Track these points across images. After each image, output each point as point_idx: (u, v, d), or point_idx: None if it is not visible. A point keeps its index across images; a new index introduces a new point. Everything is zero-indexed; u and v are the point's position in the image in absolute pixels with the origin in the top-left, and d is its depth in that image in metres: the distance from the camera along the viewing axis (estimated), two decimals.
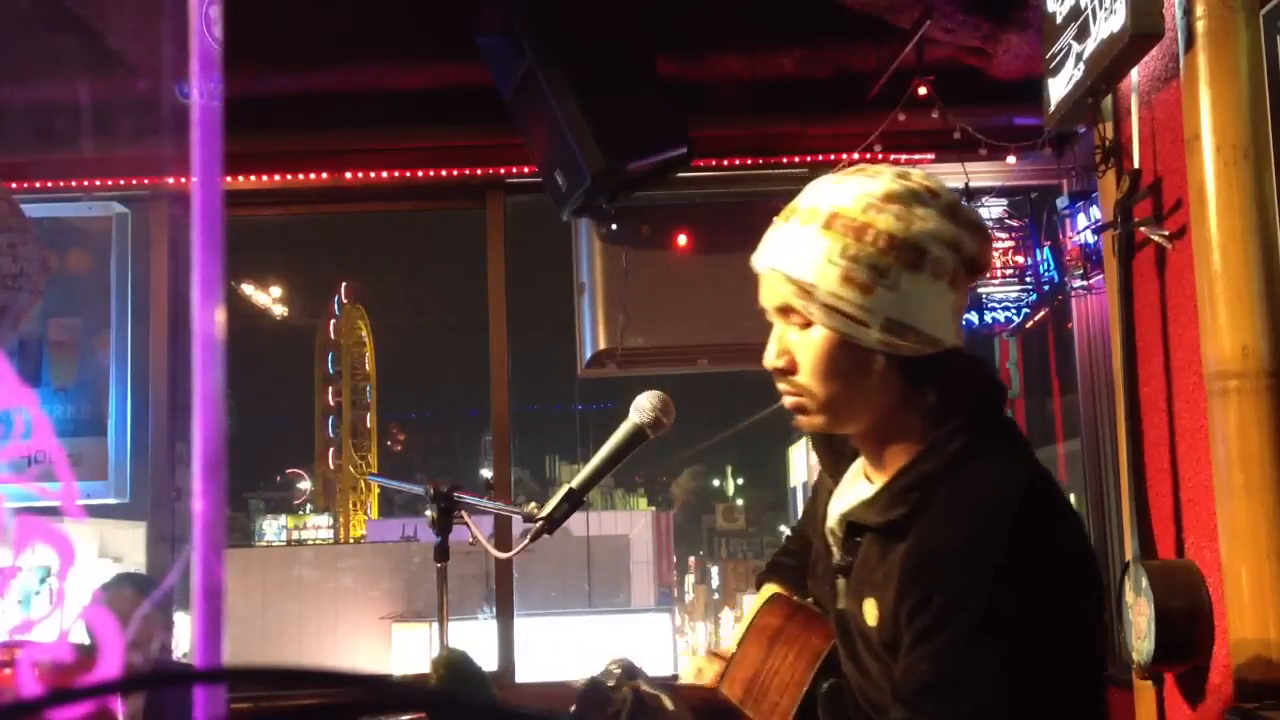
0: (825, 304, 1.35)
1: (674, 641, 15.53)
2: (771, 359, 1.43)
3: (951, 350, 1.39)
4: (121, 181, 3.98)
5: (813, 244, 1.36)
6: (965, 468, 1.34)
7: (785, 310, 1.40)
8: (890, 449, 1.41)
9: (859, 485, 1.48)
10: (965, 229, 1.37)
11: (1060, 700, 1.29)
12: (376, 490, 27.27)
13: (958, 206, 1.38)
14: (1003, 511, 1.31)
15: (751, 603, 1.72)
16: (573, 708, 1.40)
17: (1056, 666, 1.28)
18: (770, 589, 1.71)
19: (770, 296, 1.42)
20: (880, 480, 1.42)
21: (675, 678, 1.72)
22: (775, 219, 1.44)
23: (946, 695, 1.26)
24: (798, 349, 1.40)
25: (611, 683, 1.38)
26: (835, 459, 1.56)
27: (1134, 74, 2.84)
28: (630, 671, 1.40)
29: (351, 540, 25.26)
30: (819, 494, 1.62)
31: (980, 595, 1.26)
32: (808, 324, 1.38)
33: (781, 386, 1.44)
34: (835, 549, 1.49)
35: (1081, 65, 2.69)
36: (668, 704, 1.38)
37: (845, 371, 1.37)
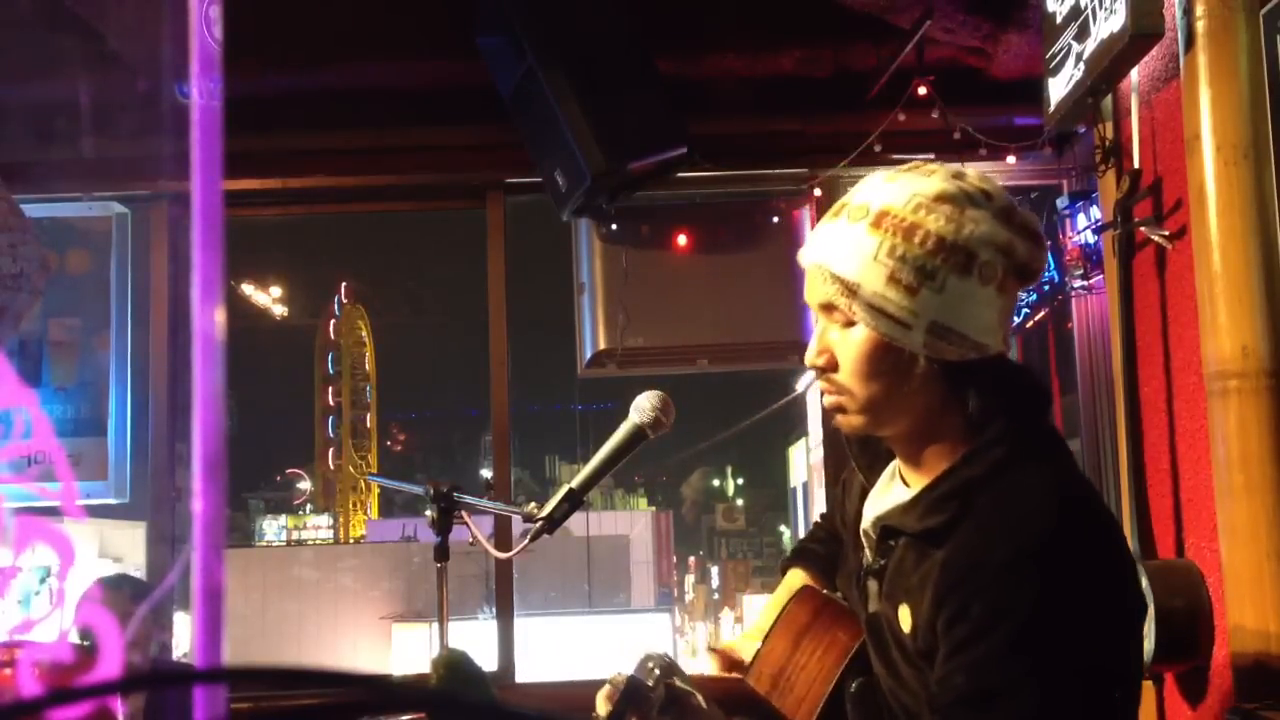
0: (869, 303, 1.32)
1: (674, 642, 15.53)
2: (812, 357, 1.40)
3: (996, 356, 1.36)
4: (121, 181, 3.98)
5: (860, 242, 1.33)
6: (1007, 476, 1.32)
7: (828, 308, 1.37)
8: (929, 453, 1.39)
9: (895, 488, 1.46)
10: (1018, 234, 1.33)
11: (1097, 713, 1.27)
12: (376, 490, 27.28)
13: (1012, 210, 1.35)
14: (1045, 524, 1.28)
15: (779, 589, 1.71)
16: (606, 707, 1.39)
17: (1094, 683, 1.26)
18: (796, 575, 1.70)
19: (814, 293, 1.38)
20: (918, 484, 1.40)
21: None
22: (826, 214, 1.41)
23: (982, 708, 1.24)
24: (839, 347, 1.37)
25: (650, 682, 1.38)
26: (870, 460, 1.53)
27: (1134, 74, 2.84)
28: (667, 669, 1.40)
29: (351, 540, 25.26)
30: (850, 489, 1.59)
31: (1020, 608, 1.24)
32: (850, 323, 1.35)
33: (821, 385, 1.41)
34: (869, 551, 1.47)
35: (1081, 65, 2.69)
36: (700, 702, 1.38)
37: (886, 373, 1.35)
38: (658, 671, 1.39)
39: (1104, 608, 1.28)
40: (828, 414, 1.45)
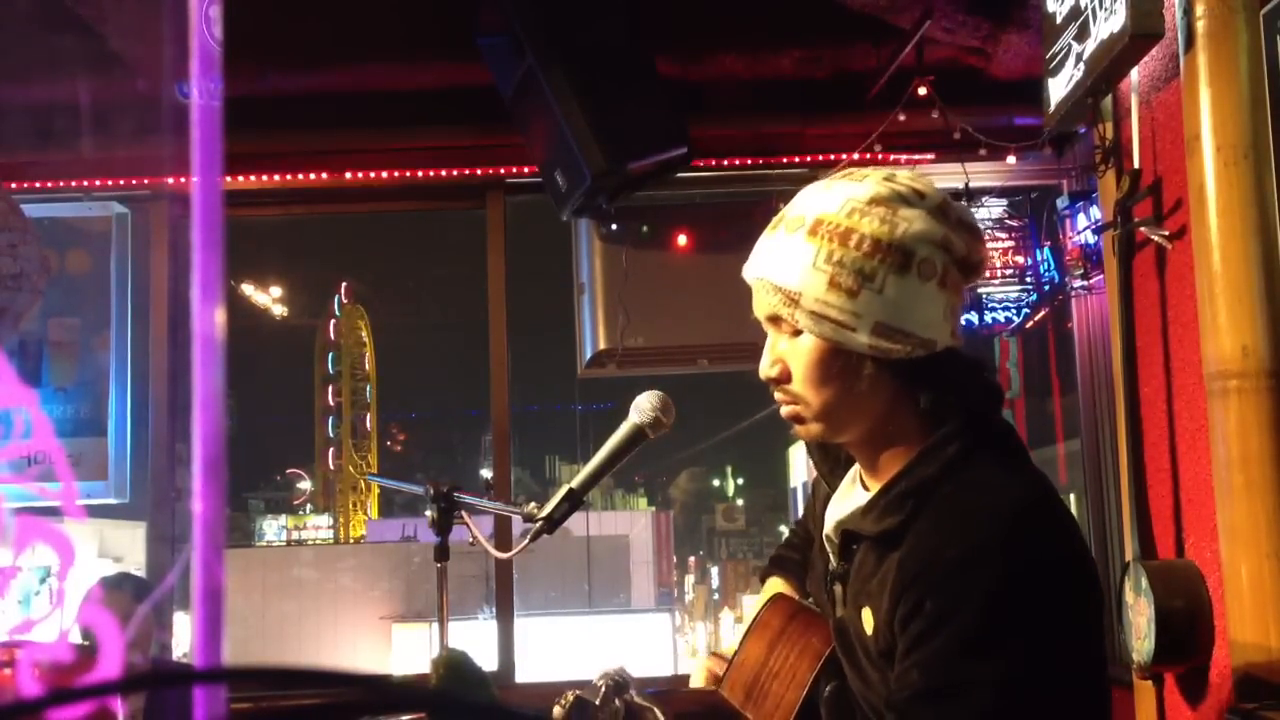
0: (811, 311, 1.33)
1: (674, 641, 15.54)
2: (765, 369, 1.42)
3: (947, 352, 1.36)
4: (121, 181, 3.99)
5: (798, 251, 1.34)
6: (961, 474, 1.33)
7: (775, 319, 1.39)
8: (886, 455, 1.40)
9: (855, 492, 1.47)
10: (955, 229, 1.35)
11: (1055, 709, 1.27)
12: (376, 490, 27.27)
13: (947, 206, 1.36)
14: (998, 519, 1.29)
15: (755, 599, 1.72)
16: None
17: (1052, 676, 1.26)
18: (774, 584, 1.70)
19: (760, 306, 1.41)
20: (876, 487, 1.41)
21: (675, 679, 1.72)
22: (766, 229, 1.43)
23: (937, 705, 1.24)
24: (790, 357, 1.39)
25: (597, 700, 1.38)
26: (831, 465, 1.55)
27: (1134, 74, 2.84)
28: (621, 684, 1.40)
29: (351, 540, 25.26)
30: (817, 494, 1.61)
31: (974, 604, 1.24)
32: (798, 332, 1.37)
33: (777, 396, 1.42)
34: (832, 556, 1.48)
35: (1081, 65, 2.69)
36: (658, 716, 1.38)
37: (836, 377, 1.36)
38: (603, 689, 1.39)
39: (1061, 601, 1.28)
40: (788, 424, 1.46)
